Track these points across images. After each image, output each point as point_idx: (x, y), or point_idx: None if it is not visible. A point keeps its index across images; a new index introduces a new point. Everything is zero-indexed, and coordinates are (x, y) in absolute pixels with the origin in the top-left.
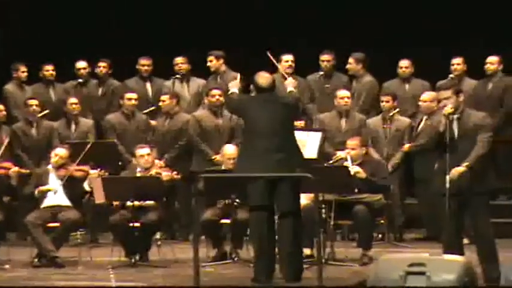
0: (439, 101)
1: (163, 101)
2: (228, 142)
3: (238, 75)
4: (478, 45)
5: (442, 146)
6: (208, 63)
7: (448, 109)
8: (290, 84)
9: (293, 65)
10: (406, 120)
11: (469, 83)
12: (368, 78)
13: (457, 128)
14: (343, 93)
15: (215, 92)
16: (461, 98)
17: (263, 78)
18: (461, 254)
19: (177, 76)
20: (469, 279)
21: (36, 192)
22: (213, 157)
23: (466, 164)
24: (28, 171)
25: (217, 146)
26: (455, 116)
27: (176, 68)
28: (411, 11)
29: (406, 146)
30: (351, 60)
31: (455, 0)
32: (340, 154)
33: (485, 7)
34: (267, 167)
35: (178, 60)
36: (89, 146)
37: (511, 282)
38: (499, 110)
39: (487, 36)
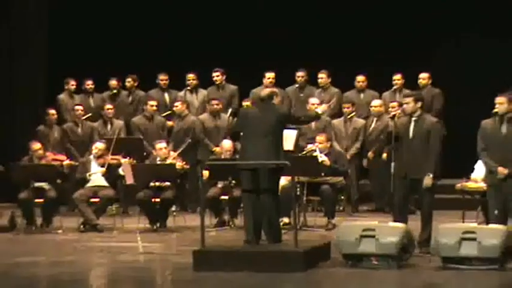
0: (400, 105)
1: (177, 106)
2: (225, 138)
3: (230, 110)
4: (413, 64)
5: (393, 141)
6: (215, 78)
7: (395, 112)
8: (320, 109)
9: (274, 81)
10: (361, 121)
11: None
12: (334, 89)
13: (413, 129)
14: (314, 100)
15: (214, 101)
16: (419, 104)
17: (263, 91)
18: (406, 222)
19: (188, 88)
20: (407, 241)
21: (87, 175)
22: (213, 149)
23: (430, 174)
24: (77, 163)
25: (217, 141)
26: (413, 119)
27: (188, 81)
28: (365, 36)
29: (369, 154)
30: (323, 75)
31: (397, 26)
32: (310, 147)
33: (421, 33)
34: (254, 159)
35: (190, 76)
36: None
37: (439, 243)
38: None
39: (420, 57)
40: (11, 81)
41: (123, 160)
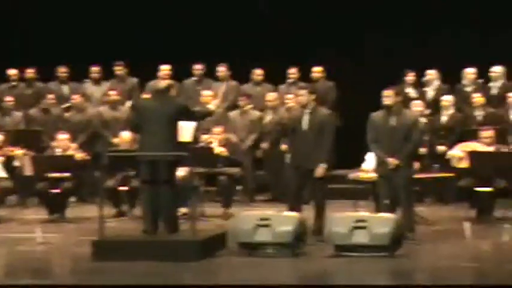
0: (296, 97)
1: (74, 98)
2: (124, 129)
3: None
4: (308, 58)
5: (289, 132)
6: (118, 72)
7: (291, 105)
8: (213, 105)
9: (170, 73)
10: (256, 113)
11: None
12: (233, 82)
13: (308, 120)
14: (206, 92)
15: (110, 92)
16: (313, 97)
17: (160, 83)
18: (300, 212)
19: (86, 80)
20: (302, 230)
21: None
22: (112, 140)
23: (322, 164)
24: None
25: (116, 132)
26: (307, 111)
27: (92, 74)
28: (262, 30)
29: (264, 145)
30: (223, 68)
31: (293, 21)
32: (207, 137)
33: (317, 28)
34: (152, 150)
35: (94, 69)
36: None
37: (332, 232)
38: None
39: (316, 51)
40: None
41: (20, 151)
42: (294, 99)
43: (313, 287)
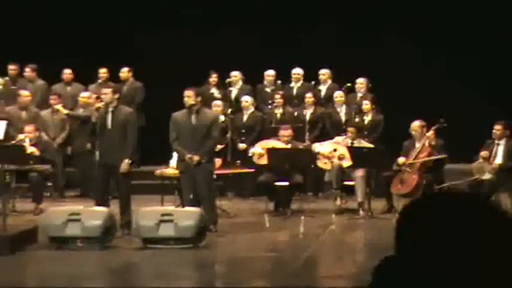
0: (97, 97)
1: None
2: None
3: None
4: (116, 59)
5: (96, 131)
6: None
7: (98, 105)
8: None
9: None
10: (66, 111)
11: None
12: (41, 81)
13: (111, 119)
14: (25, 92)
15: None
16: (116, 96)
17: None
18: (108, 206)
19: None
20: (110, 224)
21: None
22: None
23: (127, 160)
24: None
25: None
26: (110, 110)
27: None
28: (72, 30)
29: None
30: (27, 69)
31: (101, 23)
32: (20, 136)
33: (123, 29)
34: None
35: None
36: None
37: (139, 225)
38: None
39: (123, 51)
40: None
41: None
42: (100, 99)
43: (121, 278)
